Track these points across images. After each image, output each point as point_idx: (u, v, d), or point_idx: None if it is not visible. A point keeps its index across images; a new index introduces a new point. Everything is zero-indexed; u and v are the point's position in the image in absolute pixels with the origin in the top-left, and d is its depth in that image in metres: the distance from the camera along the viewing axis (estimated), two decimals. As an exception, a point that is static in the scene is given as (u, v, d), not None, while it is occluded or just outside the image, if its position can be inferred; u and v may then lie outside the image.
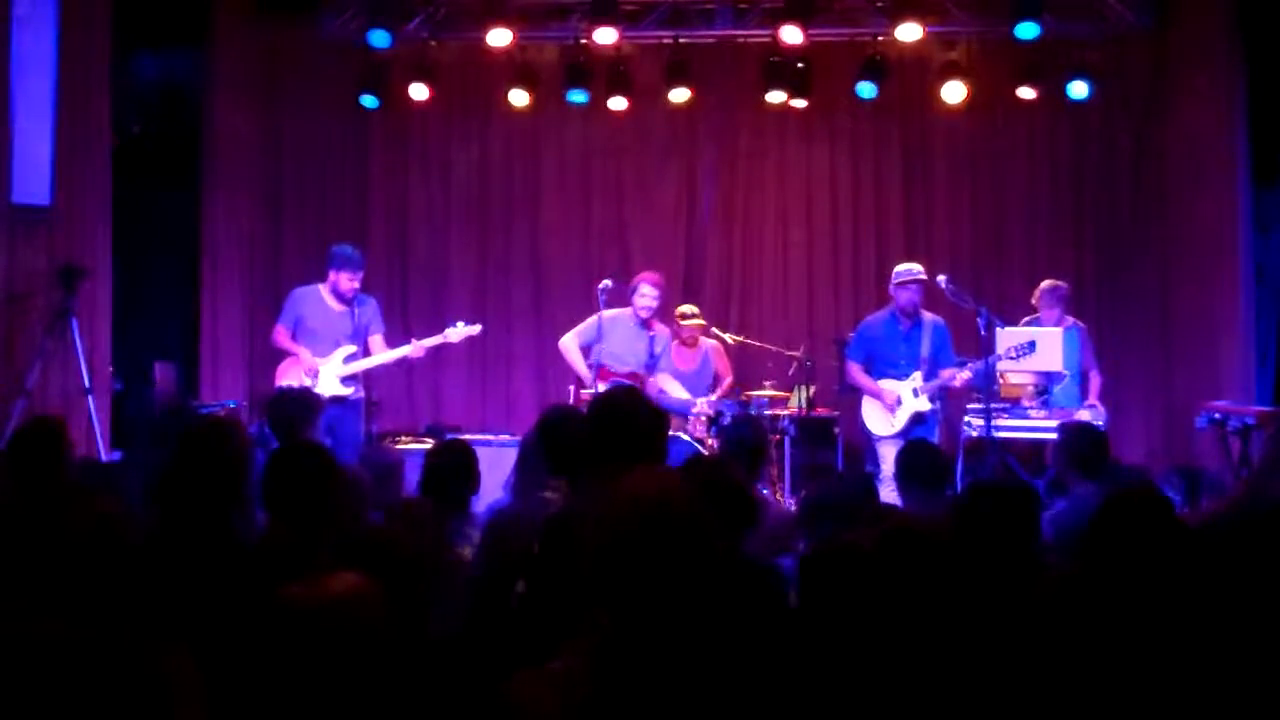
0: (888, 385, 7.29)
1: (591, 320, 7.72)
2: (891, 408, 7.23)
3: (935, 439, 6.93)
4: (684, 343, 8.49)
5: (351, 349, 7.30)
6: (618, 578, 2.02)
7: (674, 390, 7.63)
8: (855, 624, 2.32)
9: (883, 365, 7.37)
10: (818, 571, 2.52)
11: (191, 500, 3.08)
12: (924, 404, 7.19)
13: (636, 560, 2.02)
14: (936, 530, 2.65)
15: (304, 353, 7.27)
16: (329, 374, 7.22)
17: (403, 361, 7.71)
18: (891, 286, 7.41)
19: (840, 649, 2.30)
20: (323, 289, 7.41)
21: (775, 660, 2.25)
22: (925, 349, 7.26)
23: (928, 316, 7.36)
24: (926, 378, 7.22)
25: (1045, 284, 8.02)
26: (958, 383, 7.21)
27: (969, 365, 7.18)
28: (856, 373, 7.47)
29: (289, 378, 7.21)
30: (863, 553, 2.41)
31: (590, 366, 7.61)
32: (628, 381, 7.41)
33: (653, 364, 7.67)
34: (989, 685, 2.32)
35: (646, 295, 7.64)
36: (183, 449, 3.27)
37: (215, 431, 3.39)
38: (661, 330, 7.85)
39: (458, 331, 7.61)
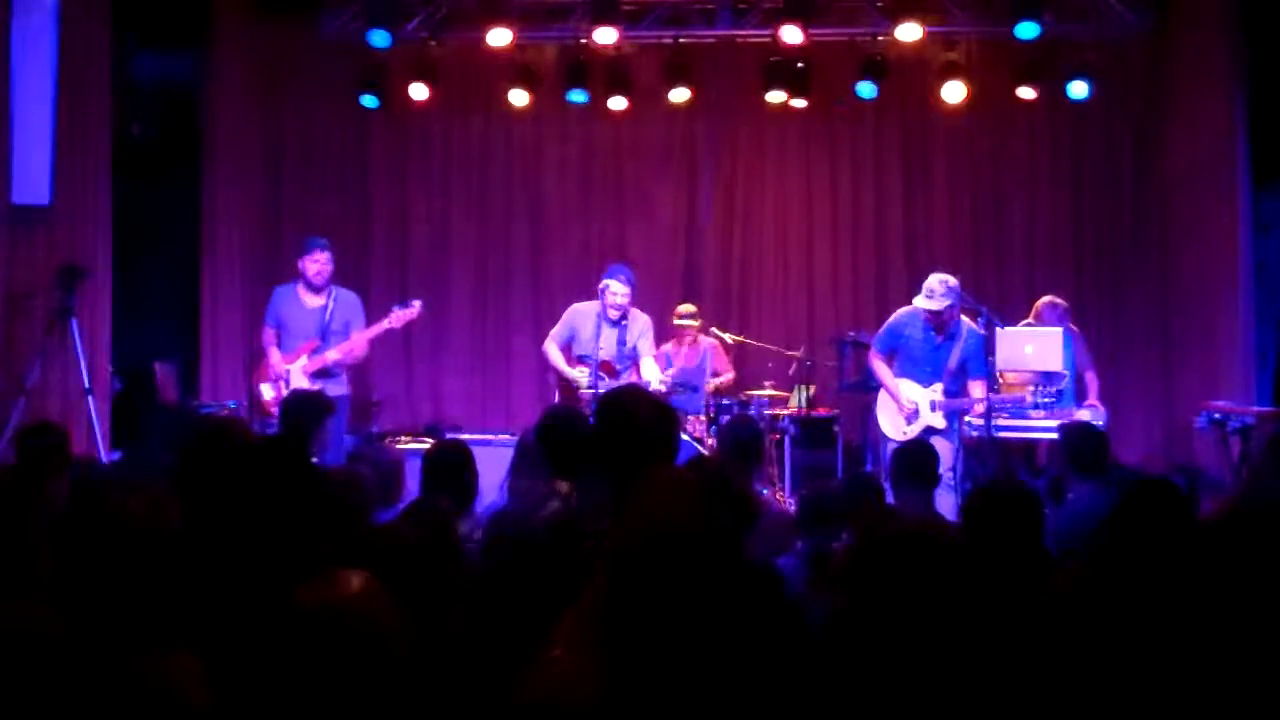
0: (908, 390, 7.05)
1: (562, 319, 7.68)
2: (908, 417, 7.02)
3: (954, 448, 6.81)
4: (681, 341, 8.49)
5: (315, 344, 7.26)
6: (635, 586, 2.01)
7: (649, 373, 7.38)
8: (870, 626, 2.32)
9: (906, 363, 7.12)
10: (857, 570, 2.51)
11: (206, 500, 3.07)
12: (939, 420, 6.97)
13: (655, 571, 2.01)
14: (947, 533, 2.64)
15: (274, 355, 7.29)
16: (297, 374, 7.19)
17: (401, 354, 7.63)
18: (920, 301, 7.00)
19: (855, 650, 2.30)
20: (300, 287, 7.40)
21: (775, 658, 2.24)
22: (954, 361, 7.00)
23: (965, 326, 7.07)
24: (948, 390, 6.99)
25: (1045, 300, 7.95)
26: (976, 410, 7.04)
27: (989, 398, 7.01)
28: (878, 365, 7.22)
29: (262, 382, 7.26)
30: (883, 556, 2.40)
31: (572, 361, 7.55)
32: (602, 373, 7.28)
33: (623, 354, 7.42)
34: (1003, 686, 2.32)
35: (617, 294, 7.41)
36: (195, 448, 3.25)
37: (225, 431, 3.39)
38: (638, 318, 7.57)
39: (399, 315, 7.45)
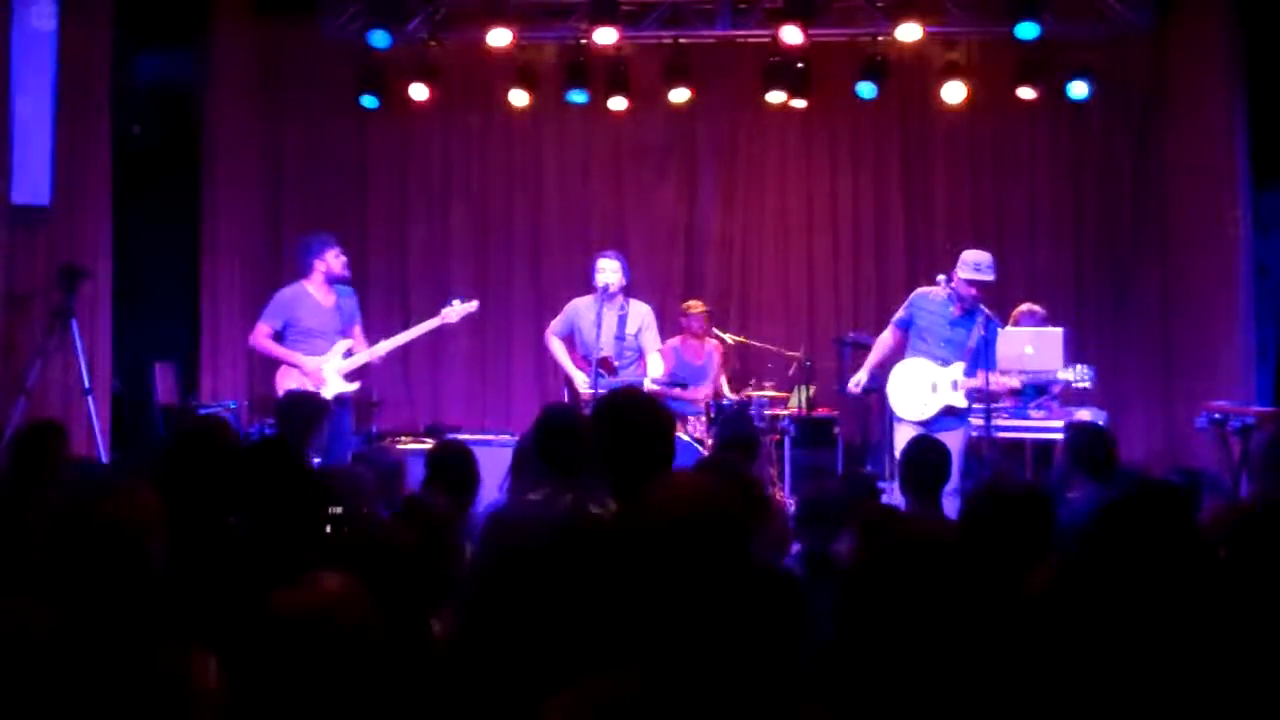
0: (918, 368, 6.86)
1: (562, 313, 7.61)
2: (926, 388, 6.83)
3: (963, 438, 6.72)
4: (693, 334, 8.48)
5: (348, 344, 7.06)
6: (662, 587, 1.99)
7: (654, 370, 7.27)
8: (875, 632, 2.31)
9: (919, 341, 6.94)
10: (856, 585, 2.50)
11: (185, 501, 3.07)
12: (960, 400, 6.78)
13: (683, 570, 1.99)
14: (949, 535, 2.64)
15: (301, 359, 6.97)
16: (333, 373, 6.95)
17: (401, 354, 7.53)
18: (962, 271, 6.81)
19: (860, 655, 2.29)
20: (309, 286, 7.11)
21: (785, 662, 2.24)
22: (973, 341, 6.83)
23: (983, 310, 6.90)
24: (969, 372, 6.81)
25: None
26: (1000, 387, 6.93)
27: (1018, 378, 6.97)
28: (883, 339, 7.09)
29: (291, 382, 6.91)
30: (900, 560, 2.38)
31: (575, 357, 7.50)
32: (601, 370, 7.14)
33: (623, 348, 7.27)
34: (1004, 688, 2.32)
35: (605, 269, 7.28)
36: (173, 452, 3.26)
37: (203, 432, 3.39)
38: (639, 308, 7.44)
39: (455, 310, 7.36)
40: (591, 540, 2.59)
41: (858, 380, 7.12)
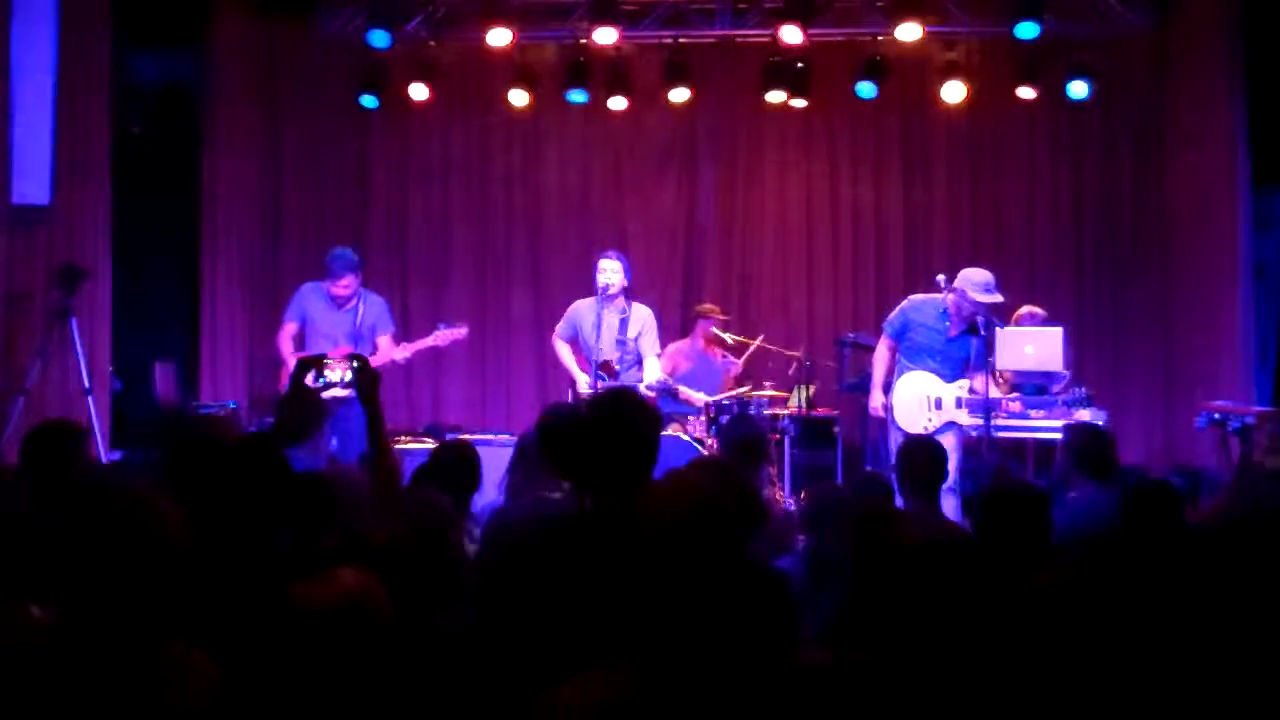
0: (920, 383, 6.87)
1: (565, 315, 7.59)
2: (935, 402, 6.84)
3: (959, 435, 6.76)
4: (707, 340, 8.48)
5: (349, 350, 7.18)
6: (655, 583, 1.99)
7: (650, 374, 7.26)
8: (876, 632, 2.31)
9: (918, 352, 6.95)
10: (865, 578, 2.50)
11: (192, 499, 3.05)
12: (964, 418, 6.82)
13: (663, 571, 1.99)
14: (956, 537, 2.63)
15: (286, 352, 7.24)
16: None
17: (396, 363, 7.60)
18: (974, 293, 6.81)
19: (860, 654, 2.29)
20: (325, 286, 7.38)
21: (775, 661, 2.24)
22: (973, 356, 6.85)
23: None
24: (971, 378, 6.85)
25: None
26: (1006, 405, 6.96)
27: (1019, 398, 7.01)
28: (882, 354, 7.09)
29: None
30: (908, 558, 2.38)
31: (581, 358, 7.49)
32: (602, 373, 7.10)
33: (625, 351, 7.25)
34: (1002, 688, 2.31)
35: (606, 270, 7.26)
36: (182, 449, 3.24)
37: (211, 432, 3.37)
38: (640, 311, 7.40)
39: (444, 334, 7.46)
40: (589, 538, 2.59)
41: (879, 403, 7.09)
